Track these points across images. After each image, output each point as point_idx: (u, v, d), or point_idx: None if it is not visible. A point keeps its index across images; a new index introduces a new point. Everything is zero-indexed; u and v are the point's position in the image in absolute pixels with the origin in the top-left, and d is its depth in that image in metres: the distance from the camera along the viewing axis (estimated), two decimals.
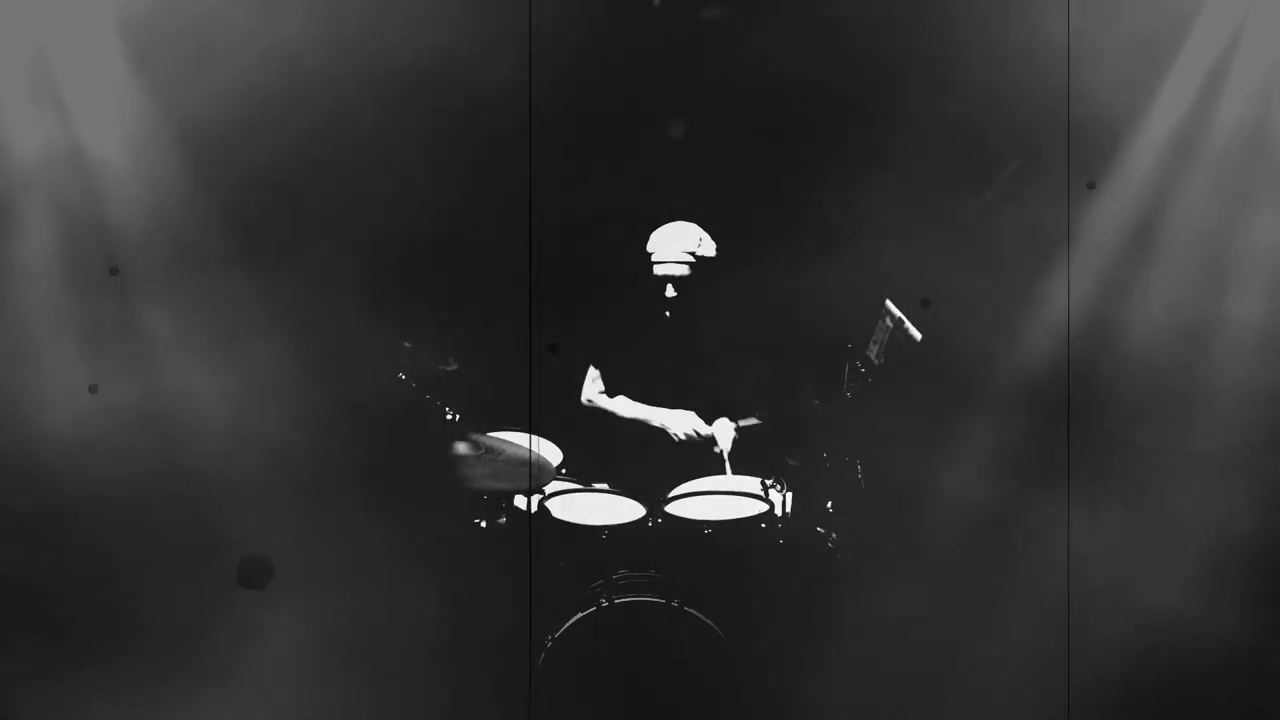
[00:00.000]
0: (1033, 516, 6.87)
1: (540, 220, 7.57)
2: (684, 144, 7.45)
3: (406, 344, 6.74)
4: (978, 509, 6.90)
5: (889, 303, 6.65)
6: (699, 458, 6.88)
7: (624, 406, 7.09)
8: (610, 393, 7.12)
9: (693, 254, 6.94)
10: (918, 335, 6.52)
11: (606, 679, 6.28)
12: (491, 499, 6.64)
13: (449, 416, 6.56)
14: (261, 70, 6.90)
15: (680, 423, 6.97)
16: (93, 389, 6.54)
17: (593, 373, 7.15)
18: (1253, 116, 6.83)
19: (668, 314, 7.02)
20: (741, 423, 6.88)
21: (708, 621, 6.28)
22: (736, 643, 6.28)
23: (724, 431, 6.95)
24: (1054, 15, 6.93)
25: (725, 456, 6.84)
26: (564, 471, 6.84)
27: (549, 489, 6.61)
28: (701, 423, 6.97)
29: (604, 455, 6.95)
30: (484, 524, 6.64)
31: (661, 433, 6.99)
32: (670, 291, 6.97)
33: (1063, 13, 6.92)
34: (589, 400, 7.16)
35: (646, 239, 7.04)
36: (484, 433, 6.54)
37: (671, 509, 6.62)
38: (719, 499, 6.68)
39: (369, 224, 7.17)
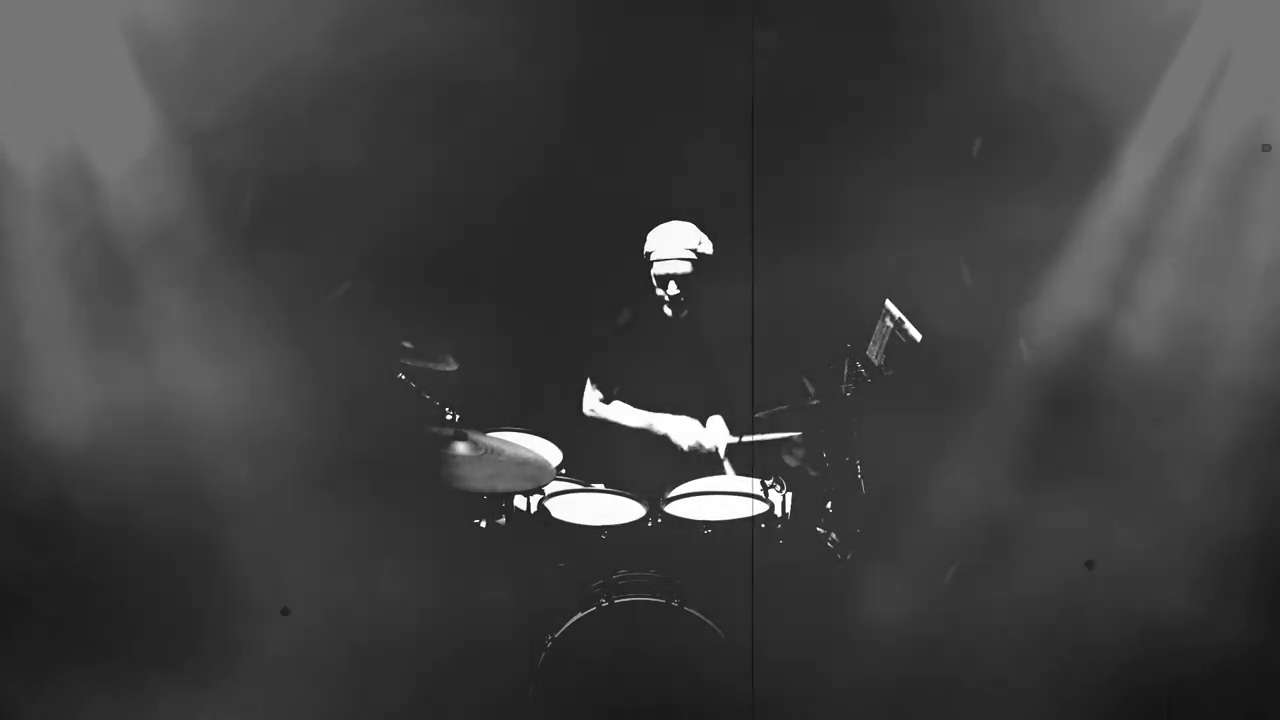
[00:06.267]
0: (1033, 517, 6.87)
1: (540, 220, 7.60)
2: (684, 144, 7.47)
3: (406, 344, 6.74)
4: (977, 509, 6.90)
5: (889, 303, 6.65)
6: (699, 458, 6.88)
7: (626, 414, 7.06)
8: (607, 398, 7.10)
9: (694, 251, 6.94)
10: (918, 335, 6.52)
11: (606, 679, 6.27)
12: (491, 499, 6.63)
13: (449, 416, 6.55)
14: (263, 74, 6.91)
15: (684, 433, 6.96)
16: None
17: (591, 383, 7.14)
18: (1252, 117, 6.83)
19: (668, 311, 7.02)
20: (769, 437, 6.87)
21: (708, 621, 6.26)
22: (736, 643, 6.26)
23: (719, 432, 6.94)
24: (1054, 16, 6.94)
25: (723, 456, 6.82)
26: (564, 471, 6.84)
27: (549, 489, 6.60)
28: (704, 431, 6.95)
29: (604, 455, 6.95)
30: (484, 524, 6.64)
31: (663, 437, 6.99)
32: (673, 289, 6.96)
33: (1063, 14, 6.93)
34: (591, 410, 7.14)
35: (645, 239, 7.04)
36: (484, 433, 6.53)
37: (671, 509, 6.61)
38: (719, 499, 6.67)
39: (369, 225, 7.18)
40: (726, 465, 6.79)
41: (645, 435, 7.02)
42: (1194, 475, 6.81)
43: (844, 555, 6.61)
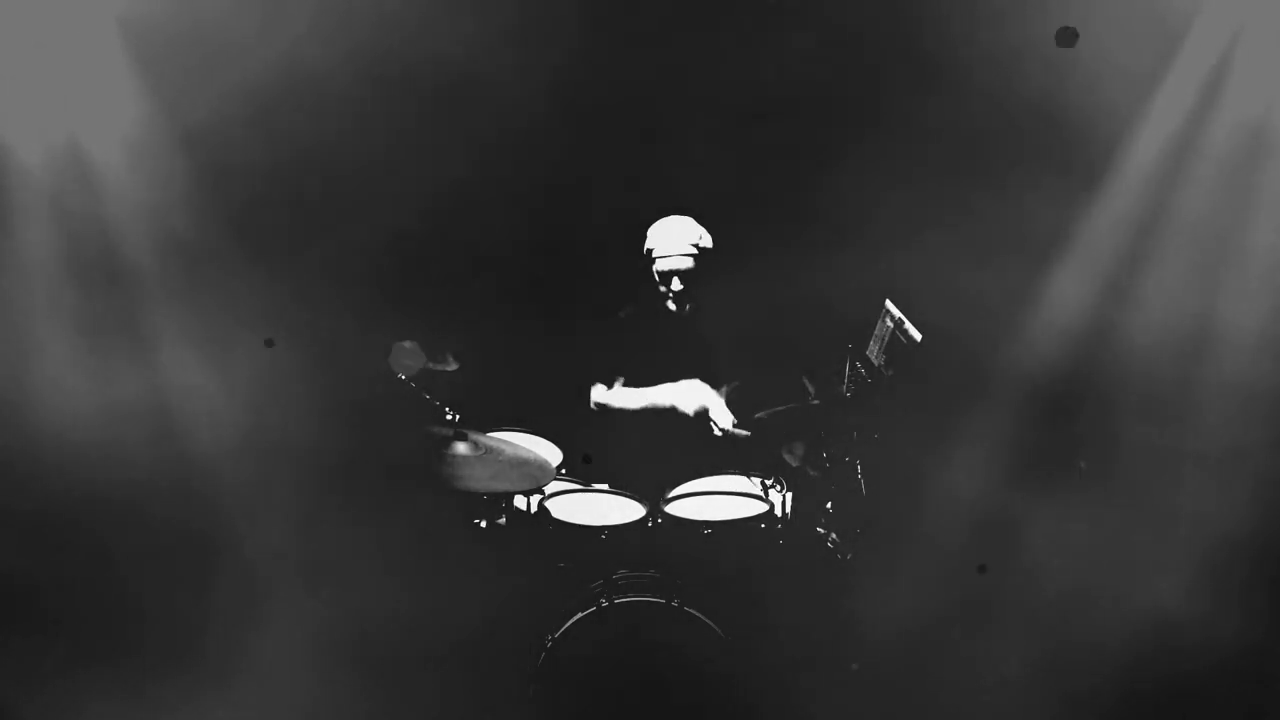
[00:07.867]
0: (1033, 516, 6.87)
1: (540, 219, 7.60)
2: (687, 144, 7.47)
3: (406, 344, 6.73)
4: (977, 509, 6.91)
5: (889, 303, 6.64)
6: (700, 457, 6.87)
7: (629, 397, 7.05)
8: (609, 385, 7.09)
9: (695, 245, 6.93)
10: (918, 335, 6.51)
11: (606, 679, 6.27)
12: (491, 499, 6.64)
13: (449, 416, 6.55)
14: (263, 72, 6.92)
15: (689, 398, 6.93)
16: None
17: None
18: (1253, 117, 6.84)
19: (672, 307, 7.00)
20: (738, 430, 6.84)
21: (708, 622, 6.26)
22: (736, 643, 6.26)
23: (721, 410, 6.92)
24: (1055, 16, 6.94)
25: (733, 431, 6.77)
26: (564, 471, 6.83)
27: (549, 489, 6.60)
28: (710, 392, 6.91)
29: (604, 455, 6.94)
30: (484, 524, 6.64)
31: (662, 431, 6.97)
32: (677, 284, 6.95)
33: (1063, 14, 6.93)
34: (596, 403, 7.13)
35: (644, 236, 7.03)
36: (484, 433, 6.53)
37: (671, 509, 6.61)
38: (719, 499, 6.67)
39: (369, 224, 7.18)
40: (737, 432, 6.73)
41: (648, 426, 7.00)
42: (1194, 474, 6.82)
43: (844, 555, 6.61)
